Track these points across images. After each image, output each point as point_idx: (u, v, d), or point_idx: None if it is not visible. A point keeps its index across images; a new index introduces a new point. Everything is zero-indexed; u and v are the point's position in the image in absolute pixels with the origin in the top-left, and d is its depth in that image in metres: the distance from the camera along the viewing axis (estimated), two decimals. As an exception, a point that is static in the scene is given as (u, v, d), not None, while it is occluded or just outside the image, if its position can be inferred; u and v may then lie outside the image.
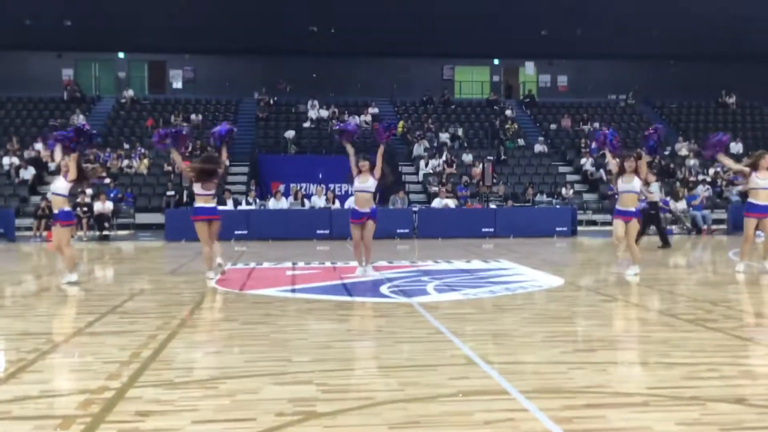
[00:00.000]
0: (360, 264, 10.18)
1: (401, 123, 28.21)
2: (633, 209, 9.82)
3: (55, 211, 9.23)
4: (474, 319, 6.79)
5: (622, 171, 9.90)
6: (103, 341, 5.72)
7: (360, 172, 9.86)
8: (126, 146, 26.45)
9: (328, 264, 12.13)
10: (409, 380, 4.42)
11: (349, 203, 21.31)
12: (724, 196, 24.27)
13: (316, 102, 29.82)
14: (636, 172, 9.82)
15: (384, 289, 8.79)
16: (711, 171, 26.15)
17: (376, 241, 17.63)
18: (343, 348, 5.41)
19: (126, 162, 25.13)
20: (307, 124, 28.86)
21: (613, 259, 13.78)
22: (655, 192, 15.90)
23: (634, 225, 9.92)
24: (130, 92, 31.07)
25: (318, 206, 20.44)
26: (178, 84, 33.81)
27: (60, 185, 9.14)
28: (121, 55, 33.50)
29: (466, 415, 3.71)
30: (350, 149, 10.20)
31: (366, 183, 9.85)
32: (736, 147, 28.35)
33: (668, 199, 21.88)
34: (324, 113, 29.48)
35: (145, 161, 25.08)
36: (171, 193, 22.36)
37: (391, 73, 32.32)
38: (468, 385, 4.31)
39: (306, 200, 21.56)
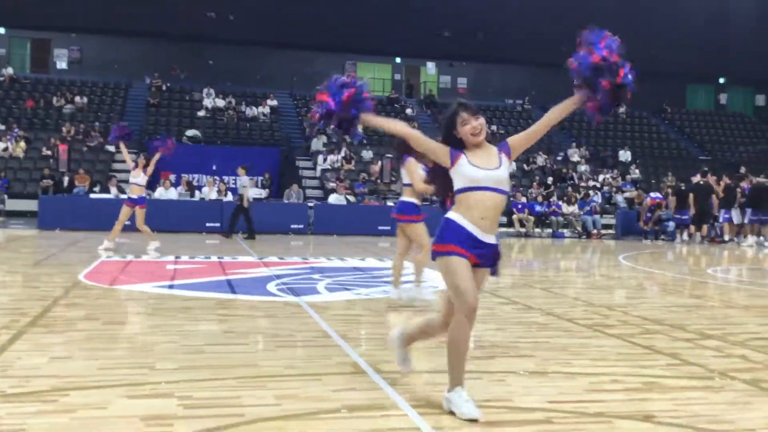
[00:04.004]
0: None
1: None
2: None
3: (134, 196, 11.96)
4: (365, 321, 6.31)
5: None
6: (-69, 342, 4.87)
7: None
8: (1, 127, 24.54)
9: (214, 258, 11.39)
10: (287, 392, 3.88)
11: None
12: (613, 202, 24.95)
13: (212, 90, 28.70)
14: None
15: (271, 286, 8.20)
16: (600, 177, 26.86)
17: (269, 236, 17.05)
18: (216, 353, 4.80)
19: (1, 144, 23.29)
20: (201, 113, 27.70)
21: (508, 260, 13.69)
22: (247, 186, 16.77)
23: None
24: (10, 70, 28.93)
25: (209, 198, 19.51)
26: (63, 64, 31.83)
27: (140, 179, 11.99)
28: (1, 30, 31.20)
29: (349, 436, 3.21)
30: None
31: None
32: (625, 155, 29.33)
33: (561, 203, 22.23)
34: (220, 102, 28.40)
35: (22, 144, 23.33)
36: (48, 180, 20.81)
37: (292, 66, 31.56)
38: (354, 398, 3.81)
39: (197, 191, 20.59)
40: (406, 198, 6.77)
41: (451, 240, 3.64)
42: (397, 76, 34.82)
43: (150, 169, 12.07)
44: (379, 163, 24.39)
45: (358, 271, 10.23)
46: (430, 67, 34.51)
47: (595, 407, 3.75)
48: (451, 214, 3.70)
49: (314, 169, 25.03)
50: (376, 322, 6.29)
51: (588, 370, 4.59)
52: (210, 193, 19.81)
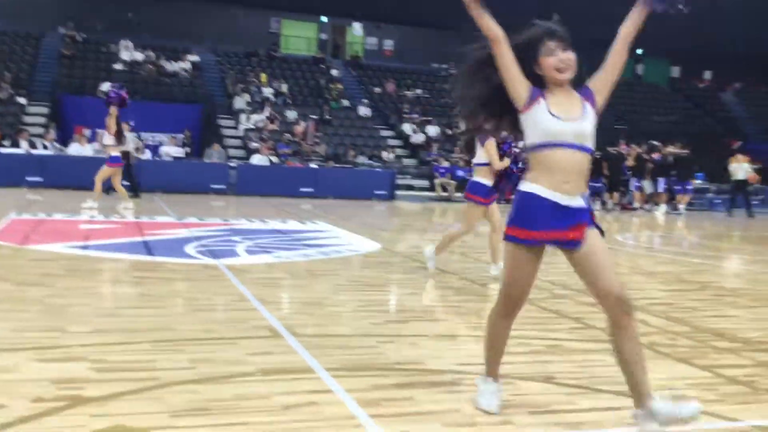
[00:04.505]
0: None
1: None
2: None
3: (106, 156, 12.17)
4: (284, 284, 6.37)
5: None
6: None
7: None
8: None
9: (130, 218, 11.15)
10: (202, 356, 3.91)
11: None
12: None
13: (130, 43, 27.67)
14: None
15: (190, 248, 8.13)
16: (521, 143, 27.43)
17: (189, 196, 16.79)
18: (131, 317, 4.77)
19: None
20: (119, 67, 26.72)
21: (430, 224, 13.91)
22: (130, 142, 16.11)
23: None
24: None
25: (126, 155, 18.96)
26: (-32, 10, 30.02)
27: (106, 139, 12.30)
28: None
29: (262, 399, 3.28)
30: None
31: None
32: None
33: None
34: (139, 56, 27.45)
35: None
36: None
37: (215, 21, 30.72)
38: (269, 361, 3.88)
39: (113, 148, 19.97)
40: (481, 179, 6.72)
41: (526, 223, 3.05)
42: (323, 36, 34.41)
43: (111, 126, 12.02)
44: (303, 123, 24.20)
45: (279, 233, 10.22)
46: (357, 27, 34.21)
47: (502, 369, 3.92)
48: (527, 185, 3.06)
49: (237, 128, 24.62)
50: (296, 285, 6.34)
51: (497, 333, 4.78)
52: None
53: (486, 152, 6.61)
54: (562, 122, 2.99)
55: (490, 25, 3.01)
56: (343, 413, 3.15)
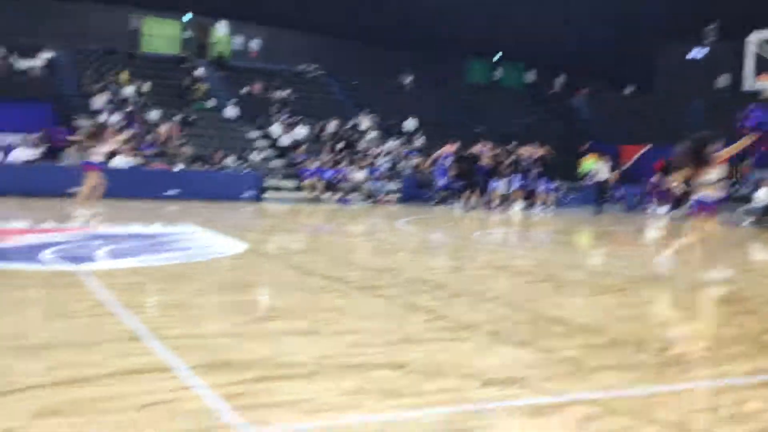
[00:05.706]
0: None
1: None
2: None
3: None
4: (147, 288, 6.34)
5: None
6: None
7: None
8: None
9: (-21, 225, 10.60)
10: (59, 362, 3.90)
11: None
12: (399, 168, 26.22)
13: (-25, 39, 25.98)
14: None
15: (46, 254, 7.88)
16: (388, 144, 28.07)
17: (45, 200, 16.07)
18: (-18, 325, 4.65)
19: None
20: (-37, 63, 25.03)
21: (297, 225, 14.06)
22: None
23: None
24: None
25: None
26: None
27: None
28: None
29: (120, 399, 3.35)
30: None
31: None
32: (411, 123, 30.84)
33: (350, 168, 23.02)
34: (-13, 53, 25.83)
35: None
36: None
37: (70, 18, 29.43)
38: (129, 363, 3.92)
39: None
40: (711, 193, 7.77)
41: None
42: (187, 34, 33.67)
43: None
44: (167, 124, 23.66)
45: (142, 237, 10.05)
46: (221, 26, 33.74)
47: (357, 360, 4.18)
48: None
49: (96, 128, 23.66)
50: (159, 288, 6.34)
51: (355, 327, 5.04)
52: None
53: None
54: None
55: None
56: (201, 406, 3.28)
